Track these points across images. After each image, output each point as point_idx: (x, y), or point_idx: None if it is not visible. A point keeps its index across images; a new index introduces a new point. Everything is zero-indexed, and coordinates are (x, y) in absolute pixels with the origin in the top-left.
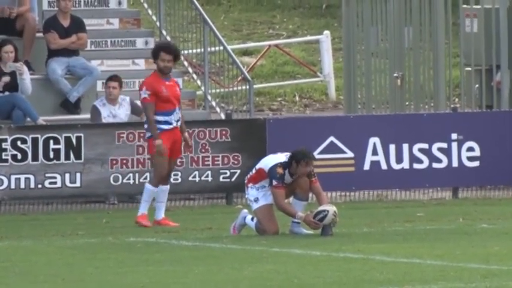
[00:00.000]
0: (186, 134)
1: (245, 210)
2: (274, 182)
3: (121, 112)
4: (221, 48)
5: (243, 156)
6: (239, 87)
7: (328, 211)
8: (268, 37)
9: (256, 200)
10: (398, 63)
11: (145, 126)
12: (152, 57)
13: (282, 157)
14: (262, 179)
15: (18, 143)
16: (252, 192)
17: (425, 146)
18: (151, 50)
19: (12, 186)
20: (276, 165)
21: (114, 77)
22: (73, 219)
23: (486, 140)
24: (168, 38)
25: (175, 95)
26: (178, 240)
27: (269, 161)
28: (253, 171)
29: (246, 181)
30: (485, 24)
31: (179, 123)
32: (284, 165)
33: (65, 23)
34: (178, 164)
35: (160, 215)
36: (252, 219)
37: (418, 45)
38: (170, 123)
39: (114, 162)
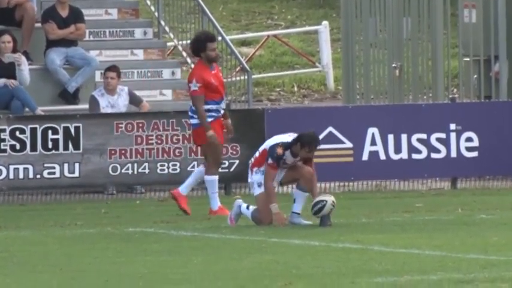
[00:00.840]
0: (229, 121)
1: (239, 200)
2: (270, 161)
3: (119, 102)
4: (220, 38)
5: (241, 147)
6: (238, 78)
7: (326, 201)
8: (267, 27)
9: (260, 185)
10: (397, 53)
11: (191, 114)
12: (194, 52)
13: (287, 137)
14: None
15: (17, 133)
16: (256, 177)
17: (423, 136)
18: (193, 45)
19: (11, 176)
20: (277, 145)
21: (112, 67)
22: (72, 209)
23: (484, 130)
24: (167, 29)
25: (221, 83)
26: (177, 231)
27: (273, 141)
28: (257, 154)
29: (250, 165)
30: (484, 15)
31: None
32: (285, 145)
33: (64, 13)
34: (177, 154)
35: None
36: (248, 207)
37: (417, 35)
38: (219, 112)
39: (113, 152)
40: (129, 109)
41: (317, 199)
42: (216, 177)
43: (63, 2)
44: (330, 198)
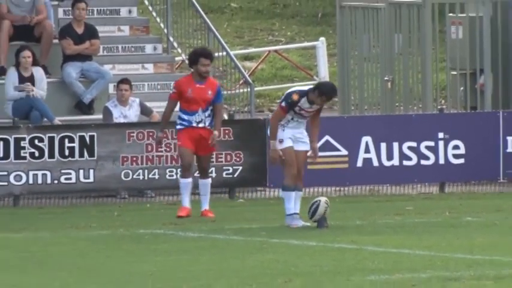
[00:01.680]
0: (216, 132)
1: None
2: (283, 104)
3: (131, 113)
4: (224, 53)
5: (244, 154)
6: (241, 90)
7: (320, 200)
8: (268, 43)
9: (281, 141)
10: (389, 67)
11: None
12: (189, 63)
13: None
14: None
15: (36, 141)
16: (278, 133)
17: (414, 144)
18: (189, 57)
19: (30, 181)
20: (294, 92)
21: (125, 80)
22: (86, 212)
23: (470, 139)
24: (175, 44)
25: (202, 98)
26: (185, 232)
27: (292, 89)
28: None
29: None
30: (470, 31)
31: (201, 124)
32: (302, 93)
33: (79, 30)
34: None
35: (204, 206)
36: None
37: (407, 51)
38: (190, 123)
39: (125, 159)
40: (140, 119)
41: (311, 202)
42: (185, 180)
43: (79, 20)
44: (322, 198)
